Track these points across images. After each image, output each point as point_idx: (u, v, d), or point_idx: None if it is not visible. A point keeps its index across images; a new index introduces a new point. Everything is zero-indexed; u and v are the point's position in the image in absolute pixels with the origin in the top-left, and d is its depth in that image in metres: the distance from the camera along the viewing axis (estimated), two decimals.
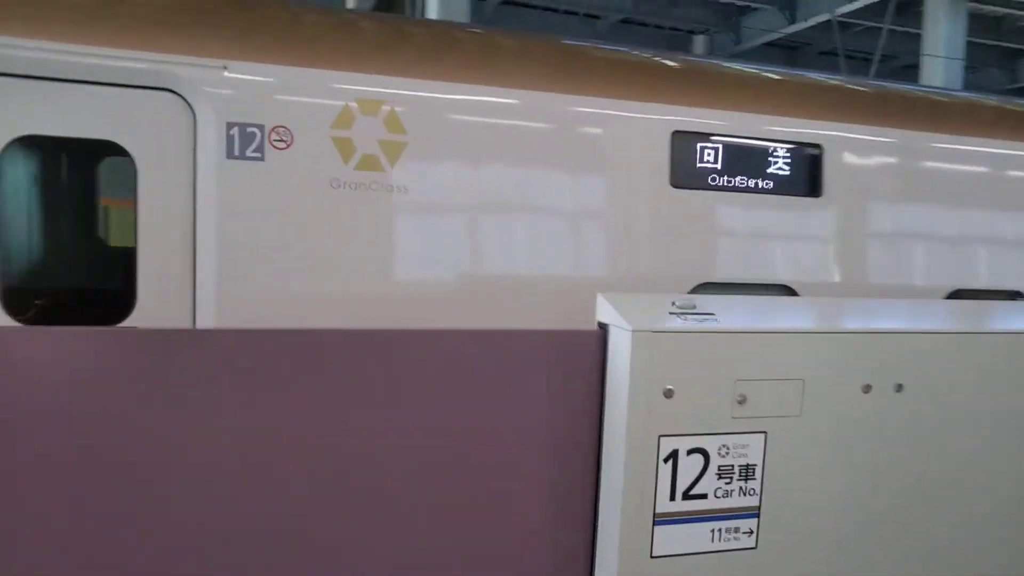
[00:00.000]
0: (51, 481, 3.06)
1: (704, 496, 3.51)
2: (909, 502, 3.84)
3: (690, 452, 3.49)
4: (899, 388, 3.76)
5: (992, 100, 5.60)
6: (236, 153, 4.03)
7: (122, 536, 3.06)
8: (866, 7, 16.81)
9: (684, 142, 4.70)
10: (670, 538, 3.46)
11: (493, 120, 4.42)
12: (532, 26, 19.53)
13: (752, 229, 4.89)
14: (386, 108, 4.21)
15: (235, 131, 4.02)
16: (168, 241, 4.04)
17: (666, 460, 3.45)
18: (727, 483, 3.54)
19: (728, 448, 3.53)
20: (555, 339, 3.57)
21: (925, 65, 15.39)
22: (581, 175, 4.56)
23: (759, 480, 3.59)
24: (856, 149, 5.05)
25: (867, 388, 3.71)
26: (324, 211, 4.17)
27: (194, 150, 4.03)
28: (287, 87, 4.12)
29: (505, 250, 4.42)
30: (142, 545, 3.09)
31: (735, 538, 3.57)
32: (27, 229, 4.51)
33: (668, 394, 3.42)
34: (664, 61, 4.92)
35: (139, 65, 3.97)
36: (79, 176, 4.28)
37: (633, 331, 3.36)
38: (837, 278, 5.07)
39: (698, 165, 4.79)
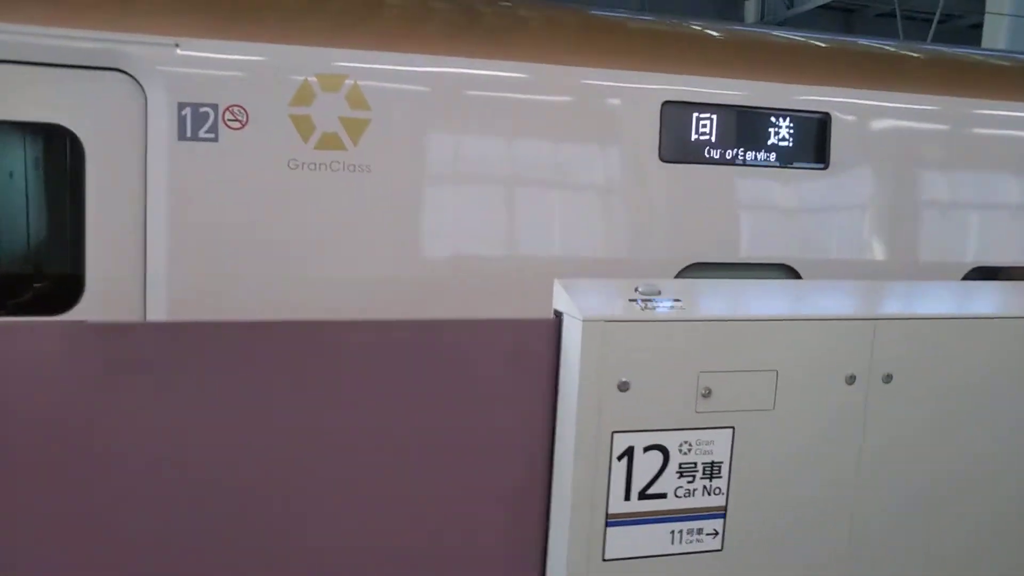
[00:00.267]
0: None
1: (663, 496, 3.27)
2: (897, 504, 3.54)
3: (647, 449, 3.24)
4: (888, 379, 3.45)
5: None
6: (188, 134, 3.88)
7: (75, 535, 2.95)
8: None
9: (674, 113, 4.41)
10: (624, 540, 3.23)
11: (466, 93, 4.18)
12: None
13: (747, 203, 4.58)
14: (349, 83, 4.02)
15: (187, 111, 3.87)
16: (117, 228, 3.92)
17: (620, 458, 3.21)
18: (689, 482, 3.29)
19: (690, 445, 3.27)
20: (508, 329, 3.34)
21: (987, 24, 14.57)
22: (561, 148, 4.31)
23: (726, 479, 3.33)
24: (866, 115, 4.69)
25: (851, 379, 3.41)
26: (281, 193, 4.00)
27: (145, 132, 3.89)
28: (242, 64, 3.95)
29: (475, 232, 4.20)
30: (95, 544, 2.98)
31: (698, 540, 3.32)
32: None
33: (623, 387, 3.17)
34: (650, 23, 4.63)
35: (87, 44, 3.83)
36: (25, 161, 4.18)
37: (583, 320, 3.12)
38: (844, 256, 4.74)
39: (690, 138, 4.49)
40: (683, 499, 3.29)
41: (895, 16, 16.10)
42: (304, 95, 3.96)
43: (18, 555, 2.91)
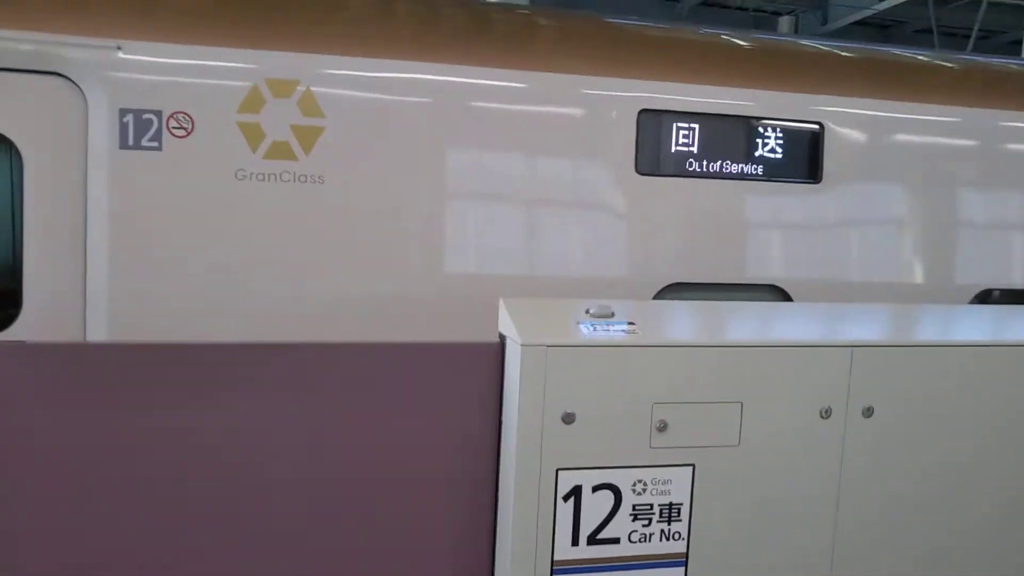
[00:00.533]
0: None
1: (615, 541, 2.97)
2: (880, 552, 3.19)
3: (596, 488, 2.95)
4: (868, 412, 3.12)
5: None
6: (130, 143, 3.69)
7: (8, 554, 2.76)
8: None
9: (651, 122, 4.13)
10: None
11: (425, 100, 3.94)
12: (608, 11, 18.83)
13: (733, 220, 4.27)
14: (301, 89, 3.80)
15: (129, 118, 3.67)
16: (56, 242, 3.73)
17: (566, 498, 2.92)
18: (645, 525, 2.99)
19: (645, 484, 2.97)
20: (450, 353, 3.08)
21: None
22: (530, 160, 4.04)
23: (686, 522, 3.02)
24: (861, 126, 4.36)
25: (826, 412, 3.09)
26: (228, 205, 3.79)
27: (85, 140, 3.71)
28: (188, 68, 3.75)
29: (430, 249, 3.95)
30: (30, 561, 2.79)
31: None
32: None
33: (568, 419, 2.89)
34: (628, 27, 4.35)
35: (22, 46, 3.66)
36: None
37: (522, 344, 2.85)
38: (839, 277, 4.40)
39: (670, 149, 4.20)
40: (638, 545, 2.98)
41: (933, 32, 15.62)
42: (253, 102, 3.74)
43: None
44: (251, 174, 3.76)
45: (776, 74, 4.32)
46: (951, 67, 4.71)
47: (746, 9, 19.30)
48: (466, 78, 3.92)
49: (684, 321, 3.22)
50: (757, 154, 4.27)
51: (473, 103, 3.94)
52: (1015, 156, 4.61)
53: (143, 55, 3.69)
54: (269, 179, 3.77)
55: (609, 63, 4.09)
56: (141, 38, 3.68)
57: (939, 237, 4.47)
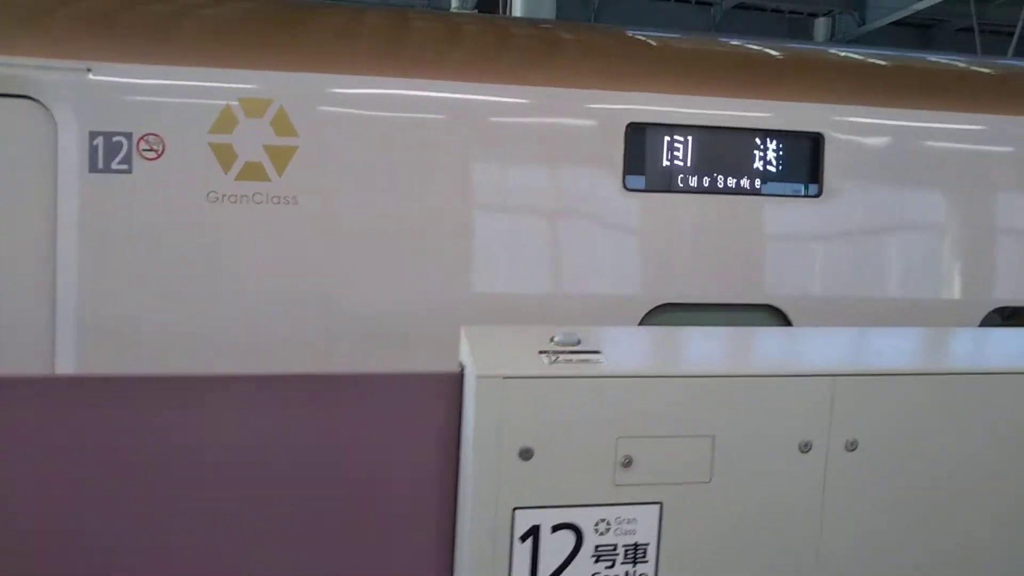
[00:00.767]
0: None
1: None
2: None
3: (556, 528, 2.79)
4: (852, 446, 2.93)
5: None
6: (100, 165, 3.63)
7: None
8: None
9: (639, 136, 3.97)
10: None
11: (401, 115, 3.83)
12: (640, 17, 18.68)
13: (727, 237, 4.09)
14: (274, 107, 3.72)
15: (99, 141, 3.62)
16: (26, 266, 3.68)
17: (523, 538, 2.77)
18: (608, 567, 2.83)
19: (609, 523, 2.81)
20: (407, 384, 2.95)
21: None
22: (507, 175, 3.91)
23: (653, 563, 2.85)
24: (861, 133, 4.15)
25: (805, 446, 2.90)
26: (199, 228, 3.71)
27: (55, 163, 3.66)
28: (158, 89, 3.68)
29: (405, 270, 3.84)
30: None
31: None
32: None
33: (525, 455, 2.74)
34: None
35: None
36: None
37: (477, 376, 2.71)
38: (842, 295, 4.20)
39: (659, 163, 4.04)
40: None
41: (975, 31, 15.18)
42: (225, 122, 3.66)
43: None
44: (223, 196, 3.68)
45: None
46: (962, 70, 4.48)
47: (781, 12, 18.97)
48: (444, 93, 3.80)
49: (655, 349, 3.06)
50: (754, 166, 4.09)
51: (453, 119, 3.82)
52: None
53: (113, 77, 3.63)
54: (241, 201, 3.69)
55: (595, 77, 3.94)
56: (111, 60, 3.63)
57: (949, 253, 4.25)
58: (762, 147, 4.08)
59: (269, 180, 3.69)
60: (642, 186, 3.96)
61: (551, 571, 2.78)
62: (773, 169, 4.08)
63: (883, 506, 2.97)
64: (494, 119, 3.81)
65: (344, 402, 2.91)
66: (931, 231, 4.21)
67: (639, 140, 3.97)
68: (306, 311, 3.72)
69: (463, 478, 2.84)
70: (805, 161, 4.10)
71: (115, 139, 3.62)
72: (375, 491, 2.91)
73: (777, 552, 2.92)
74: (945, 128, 4.16)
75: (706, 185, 4.02)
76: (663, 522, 2.84)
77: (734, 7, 18.86)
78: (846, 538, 2.95)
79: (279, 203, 3.69)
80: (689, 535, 2.86)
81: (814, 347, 3.15)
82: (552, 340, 2.91)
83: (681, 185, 4.01)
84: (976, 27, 14.73)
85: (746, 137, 4.04)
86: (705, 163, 4.00)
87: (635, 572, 2.84)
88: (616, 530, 2.82)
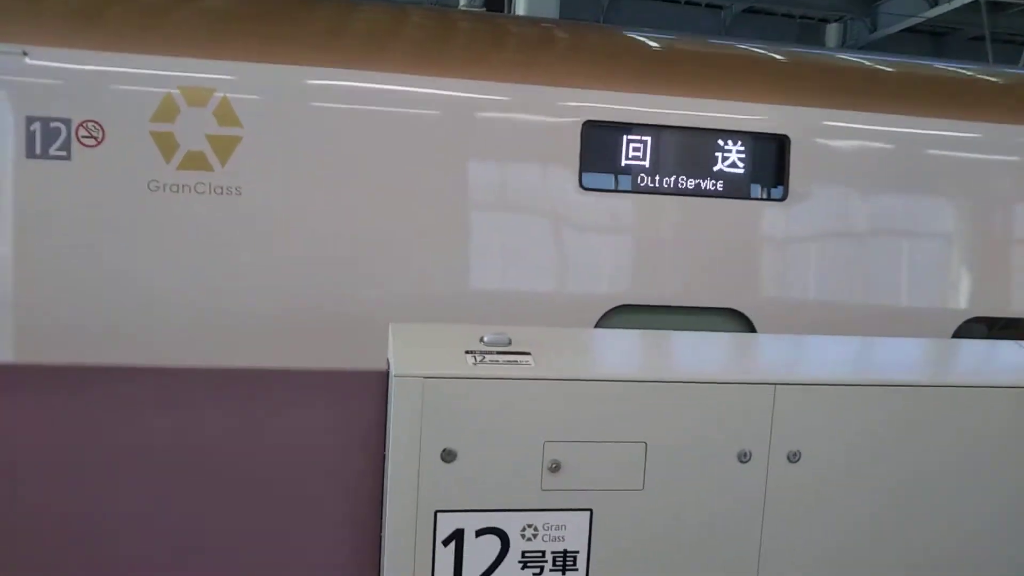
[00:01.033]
0: None
1: None
2: None
3: (480, 533, 2.70)
4: (794, 457, 2.81)
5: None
6: (37, 151, 3.55)
7: None
8: None
9: (597, 135, 3.86)
10: None
11: (346, 106, 3.74)
12: (650, 19, 18.54)
13: (686, 238, 3.98)
14: (218, 96, 3.63)
15: (36, 126, 3.54)
16: None
17: (446, 542, 2.68)
18: (536, 574, 2.72)
19: (536, 529, 2.71)
20: (334, 381, 2.85)
21: None
22: (458, 170, 3.81)
23: (583, 571, 2.75)
24: (828, 136, 4.03)
25: (744, 455, 2.79)
26: (140, 218, 3.63)
27: None
28: (98, 75, 3.60)
29: (350, 263, 3.74)
30: None
31: None
32: None
33: (447, 457, 2.65)
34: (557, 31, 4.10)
35: None
36: None
37: (395, 375, 2.61)
38: (808, 300, 4.07)
39: (616, 162, 3.93)
40: None
41: (987, 39, 14.95)
42: (166, 110, 3.57)
43: None
44: (164, 185, 3.59)
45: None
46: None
47: (792, 17, 18.79)
48: (390, 85, 3.70)
49: (591, 352, 2.95)
50: (716, 168, 3.98)
51: (401, 111, 3.73)
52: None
53: (51, 61, 3.55)
54: (183, 190, 3.60)
55: (551, 73, 3.84)
56: (49, 44, 3.55)
57: (920, 259, 4.12)
58: (725, 148, 3.97)
59: (212, 170, 3.60)
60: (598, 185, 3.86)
61: None
62: (737, 172, 3.96)
63: (827, 520, 2.85)
64: (435, 112, 3.72)
65: (270, 398, 2.82)
66: (903, 237, 4.08)
67: (596, 138, 3.86)
68: (247, 301, 3.62)
69: (388, 478, 2.75)
70: (771, 164, 3.98)
71: (53, 125, 3.55)
72: (301, 490, 2.82)
73: (714, 565, 2.81)
74: (914, 133, 4.03)
75: (665, 186, 3.91)
76: (593, 529, 2.73)
77: (744, 11, 18.68)
78: (788, 553, 2.84)
79: (222, 193, 3.60)
80: (622, 543, 2.75)
81: (760, 353, 3.03)
82: (481, 340, 2.82)
83: (638, 185, 3.89)
84: (988, 35, 14.50)
85: (708, 138, 3.93)
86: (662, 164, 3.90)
87: None
88: (544, 536, 2.71)
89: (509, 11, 13.93)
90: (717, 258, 3.96)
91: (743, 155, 3.94)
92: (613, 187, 3.85)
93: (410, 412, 2.62)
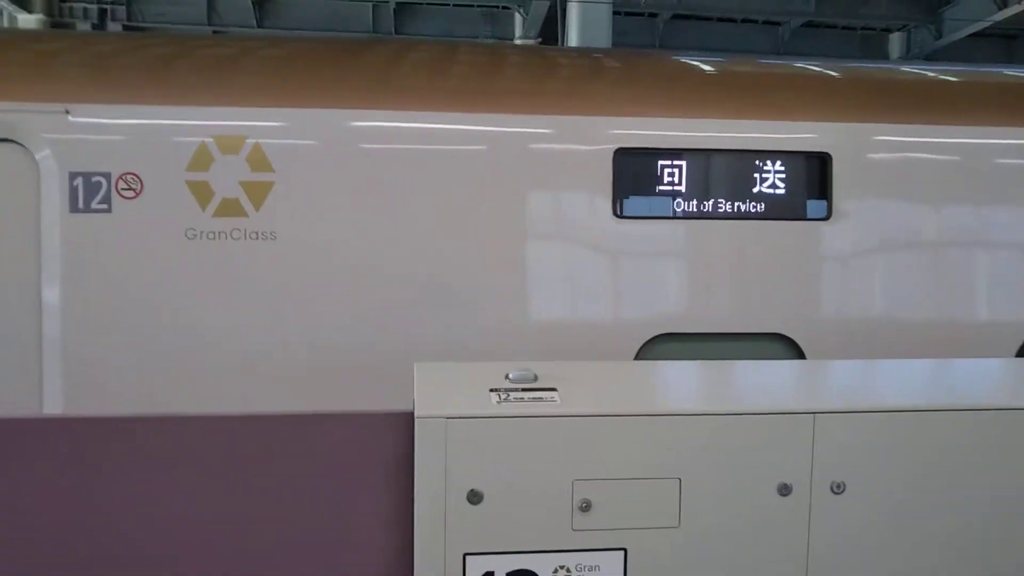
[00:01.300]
0: None
1: None
2: None
3: (512, 575, 2.63)
4: (838, 489, 2.68)
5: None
6: (80, 206, 3.65)
7: None
8: None
9: (630, 161, 3.80)
10: None
11: (377, 147, 3.76)
12: (706, 39, 18.40)
13: (731, 262, 3.87)
14: (250, 143, 3.68)
15: (79, 181, 3.64)
16: (13, 310, 3.71)
17: None
18: None
19: (569, 570, 2.64)
20: (358, 424, 2.83)
21: None
22: (491, 204, 3.79)
23: None
24: (873, 152, 3.89)
25: (785, 488, 2.67)
26: (177, 265, 3.69)
27: (38, 205, 3.69)
28: (135, 128, 3.69)
29: (386, 306, 3.74)
30: None
31: None
32: None
33: (474, 499, 2.60)
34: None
35: None
36: None
37: (418, 416, 2.58)
38: (857, 322, 3.92)
39: (652, 189, 3.85)
40: None
41: None
42: (201, 159, 3.63)
43: None
44: (201, 232, 3.65)
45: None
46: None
47: (853, 29, 18.43)
48: (422, 124, 3.70)
49: (619, 387, 2.87)
50: (755, 190, 3.87)
51: (435, 148, 3.73)
52: None
53: (91, 117, 3.65)
54: (219, 237, 3.65)
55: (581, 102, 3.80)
56: (89, 101, 3.65)
57: (976, 274, 3.94)
58: (765, 169, 3.86)
59: (247, 216, 3.64)
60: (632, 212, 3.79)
61: None
62: (779, 193, 3.85)
63: (876, 555, 2.71)
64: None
65: (299, 442, 2.81)
66: (957, 253, 3.90)
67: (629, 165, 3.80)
68: (288, 354, 3.63)
69: (416, 521, 2.71)
70: (814, 182, 3.86)
71: (94, 179, 3.63)
72: (329, 533, 2.80)
73: None
74: (960, 143, 3.87)
75: (704, 210, 3.82)
76: (628, 569, 2.65)
77: (802, 25, 18.38)
78: None
79: (257, 238, 3.63)
80: None
81: (794, 382, 2.92)
82: (507, 377, 2.77)
83: (674, 211, 3.81)
84: None
85: (747, 160, 3.83)
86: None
87: None
88: None
89: (562, 42, 13.97)
90: (761, 282, 3.84)
91: (783, 175, 3.83)
92: (649, 213, 3.78)
93: (434, 453, 2.58)
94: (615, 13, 13.58)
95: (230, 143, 3.62)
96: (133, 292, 3.64)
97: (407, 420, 2.78)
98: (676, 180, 3.78)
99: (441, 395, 2.67)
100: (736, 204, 3.81)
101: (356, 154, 3.67)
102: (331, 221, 3.64)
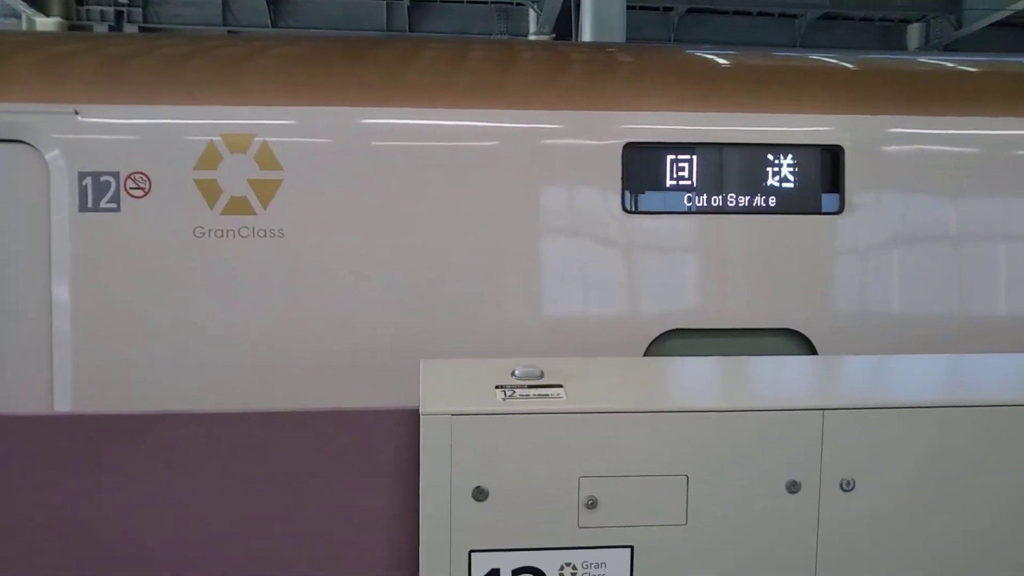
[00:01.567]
0: None
1: None
2: None
3: (518, 572, 2.62)
4: (848, 486, 2.65)
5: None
6: (89, 205, 3.66)
7: None
8: None
9: (639, 156, 3.77)
10: None
11: (385, 144, 3.75)
12: (722, 32, 18.30)
13: (741, 256, 3.84)
14: (258, 141, 3.68)
15: (88, 181, 3.65)
16: (23, 308, 3.73)
17: None
18: None
19: (575, 567, 2.62)
20: (363, 420, 2.82)
21: None
22: (494, 199, 3.77)
23: None
24: (886, 144, 3.84)
25: (793, 486, 2.64)
26: (186, 263, 3.70)
27: (48, 205, 3.71)
28: (143, 128, 3.70)
29: (394, 301, 3.73)
30: None
31: None
32: None
33: (479, 496, 2.58)
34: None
35: None
36: None
37: (423, 413, 2.57)
38: (869, 316, 3.88)
39: (662, 184, 3.82)
40: None
41: None
42: (209, 158, 3.64)
43: None
44: (209, 231, 3.66)
45: None
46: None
47: (871, 20, 18.26)
48: (431, 120, 3.69)
49: (626, 383, 2.85)
50: (767, 184, 3.84)
51: (444, 144, 3.72)
52: None
53: (100, 118, 3.66)
54: (227, 235, 3.65)
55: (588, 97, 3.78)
56: (98, 101, 3.66)
57: (992, 269, 3.88)
58: (776, 163, 3.82)
59: (255, 214, 3.64)
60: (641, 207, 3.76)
61: None
62: (789, 187, 3.81)
63: (886, 552, 2.67)
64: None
65: (304, 439, 2.80)
66: (968, 243, 3.85)
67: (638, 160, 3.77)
68: (295, 350, 3.63)
69: (421, 518, 2.70)
70: (826, 175, 3.81)
71: (103, 178, 3.65)
72: (334, 529, 2.79)
73: None
74: (971, 135, 3.82)
75: (714, 205, 3.79)
76: (635, 567, 2.63)
77: (820, 18, 18.23)
78: None
79: (265, 236, 3.63)
80: None
81: (802, 378, 2.88)
82: (513, 374, 2.76)
83: (684, 206, 3.78)
84: None
85: (757, 153, 3.79)
86: None
87: None
88: (584, 574, 2.62)
89: (576, 37, 13.93)
90: (771, 276, 3.80)
91: (793, 168, 3.79)
92: (659, 208, 3.75)
93: (439, 450, 2.57)
94: (629, 7, 13.51)
95: (238, 141, 3.62)
96: (142, 290, 3.65)
97: (413, 417, 2.77)
98: (686, 175, 3.75)
99: (447, 392, 2.66)
100: (746, 198, 3.77)
101: (364, 151, 3.67)
102: (339, 218, 3.64)
